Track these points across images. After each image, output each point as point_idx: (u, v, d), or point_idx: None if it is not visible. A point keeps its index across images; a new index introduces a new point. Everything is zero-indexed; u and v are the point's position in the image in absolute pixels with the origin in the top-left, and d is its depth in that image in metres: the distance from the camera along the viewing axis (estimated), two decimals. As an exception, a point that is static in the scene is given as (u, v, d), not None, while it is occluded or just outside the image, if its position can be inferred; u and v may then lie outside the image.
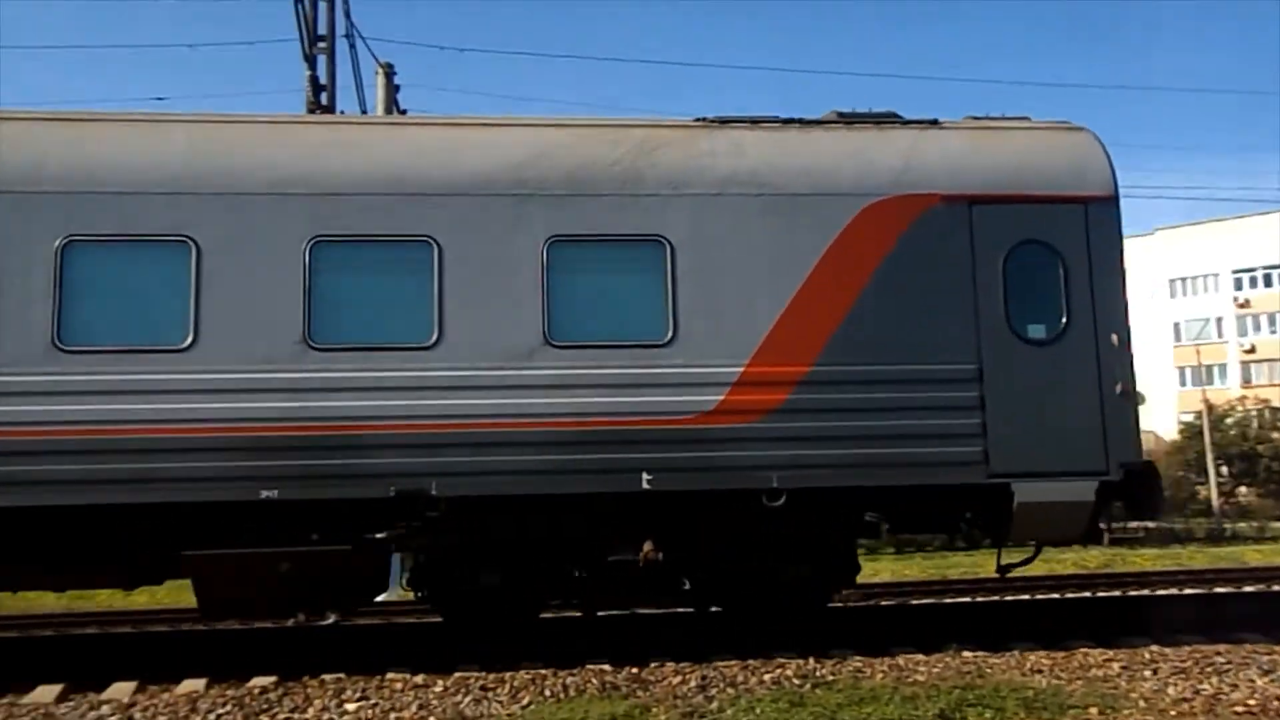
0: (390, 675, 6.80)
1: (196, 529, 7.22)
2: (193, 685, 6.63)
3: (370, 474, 7.21)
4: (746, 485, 7.62)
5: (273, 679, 6.71)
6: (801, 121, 8.56)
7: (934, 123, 8.59)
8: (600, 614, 8.50)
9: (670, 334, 7.66)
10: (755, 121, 8.42)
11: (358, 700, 6.17)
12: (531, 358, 7.46)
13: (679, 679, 6.56)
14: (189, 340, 7.20)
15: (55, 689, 6.53)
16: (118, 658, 7.68)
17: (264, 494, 7.11)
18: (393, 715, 5.90)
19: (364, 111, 17.56)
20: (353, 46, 17.43)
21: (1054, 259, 8.01)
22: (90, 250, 7.27)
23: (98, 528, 7.20)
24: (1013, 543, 8.11)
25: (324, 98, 15.94)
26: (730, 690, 6.25)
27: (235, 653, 7.88)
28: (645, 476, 7.51)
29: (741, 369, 7.71)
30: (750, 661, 6.99)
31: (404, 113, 17.96)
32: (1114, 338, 7.84)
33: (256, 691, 6.40)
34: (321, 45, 16.13)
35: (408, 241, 7.56)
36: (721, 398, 7.65)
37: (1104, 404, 7.77)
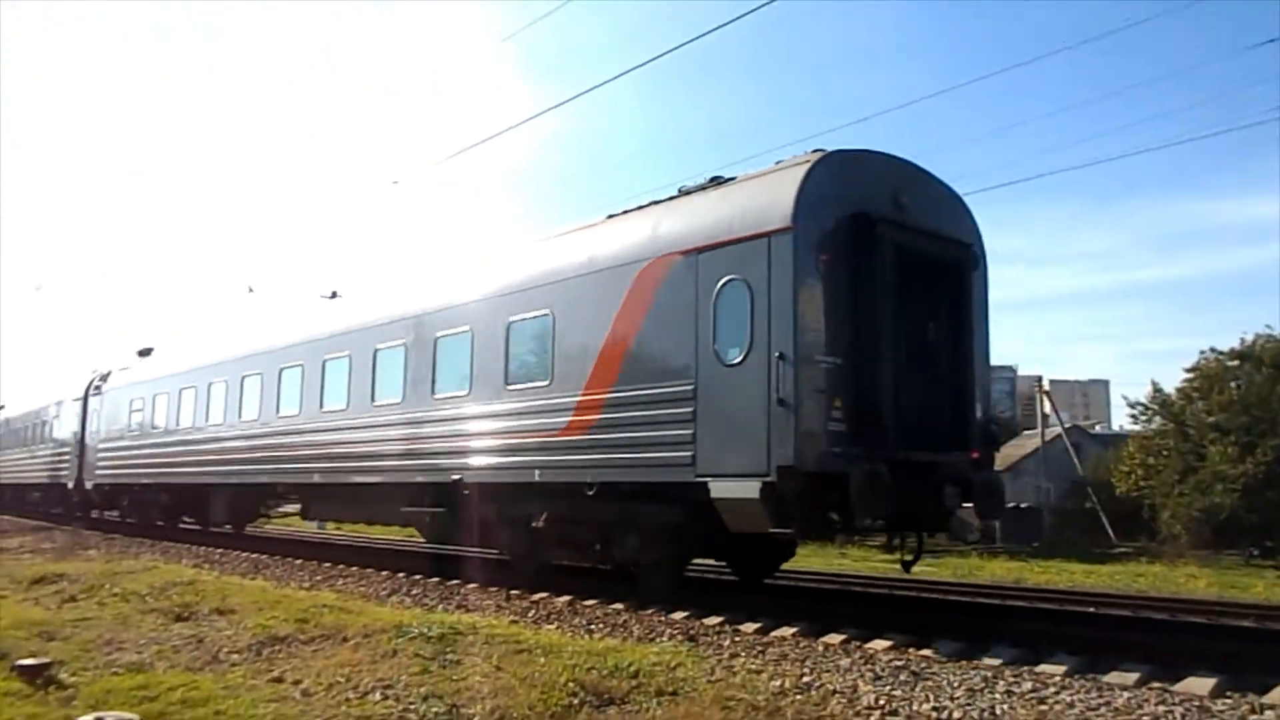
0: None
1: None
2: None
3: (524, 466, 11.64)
4: (576, 480, 10.86)
5: None
6: (616, 215, 11.91)
7: (716, 181, 10.80)
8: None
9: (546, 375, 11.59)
10: (591, 225, 12.30)
11: None
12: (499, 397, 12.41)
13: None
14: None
15: (1209, 681, 6.73)
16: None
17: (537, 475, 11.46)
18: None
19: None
20: None
21: (746, 291, 9.37)
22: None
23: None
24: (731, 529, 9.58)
25: None
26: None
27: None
28: (536, 472, 11.40)
29: (578, 397, 10.96)
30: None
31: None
32: (778, 355, 8.89)
33: None
34: None
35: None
36: (569, 419, 11.03)
37: (769, 415, 8.89)
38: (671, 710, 6.09)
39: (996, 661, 7.55)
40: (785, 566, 12.83)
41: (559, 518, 11.40)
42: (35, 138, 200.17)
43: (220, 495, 20.90)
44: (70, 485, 28.38)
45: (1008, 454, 62.59)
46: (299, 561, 15.53)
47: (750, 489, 8.91)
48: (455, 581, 12.52)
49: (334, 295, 18.08)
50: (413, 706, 6.23)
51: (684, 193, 11.07)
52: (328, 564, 15.04)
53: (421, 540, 16.51)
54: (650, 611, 10.03)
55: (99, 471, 26.08)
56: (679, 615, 9.79)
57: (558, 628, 9.29)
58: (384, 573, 13.55)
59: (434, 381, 13.37)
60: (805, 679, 6.90)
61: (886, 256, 9.33)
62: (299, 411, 16.80)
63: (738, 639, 8.50)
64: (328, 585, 12.51)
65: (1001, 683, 6.73)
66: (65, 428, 29.08)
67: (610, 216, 12.04)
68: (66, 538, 21.41)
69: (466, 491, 12.57)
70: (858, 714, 5.99)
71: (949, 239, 10.37)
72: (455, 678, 6.87)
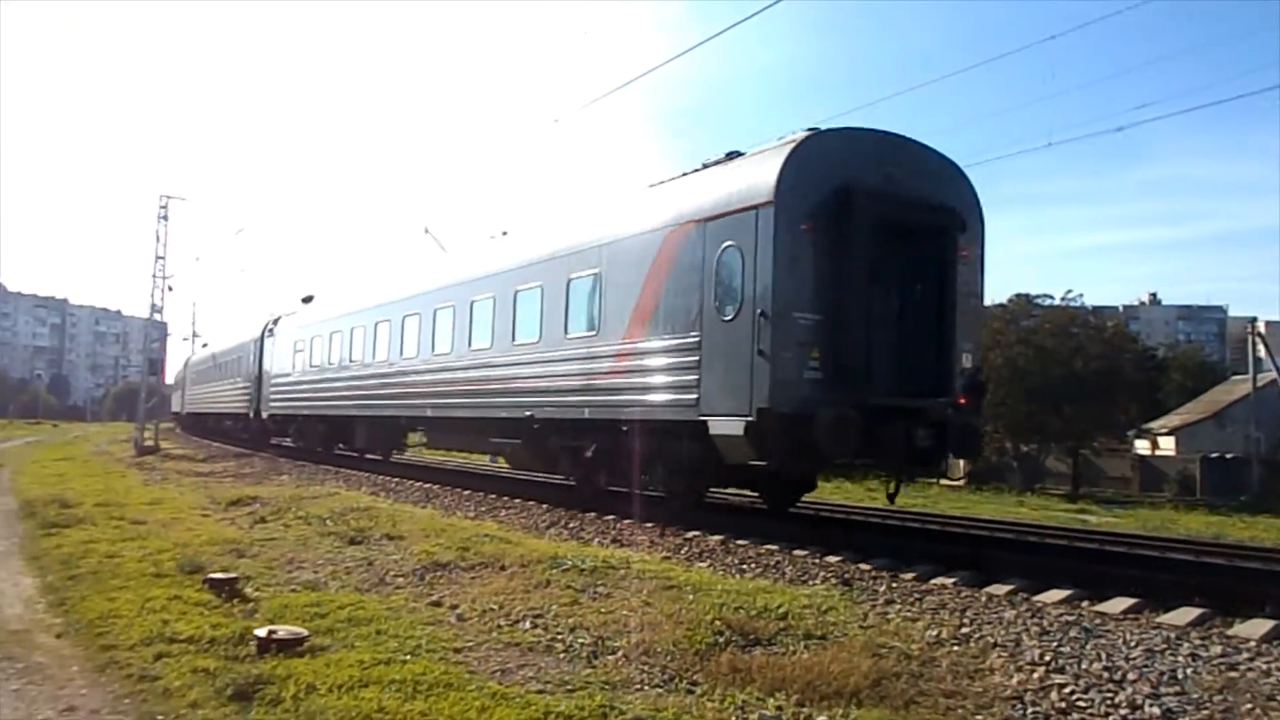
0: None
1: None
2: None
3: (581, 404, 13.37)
4: (614, 417, 12.56)
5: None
6: (655, 184, 13.40)
7: (731, 156, 12.06)
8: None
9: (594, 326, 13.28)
10: (634, 194, 13.98)
11: None
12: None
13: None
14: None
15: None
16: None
17: (587, 413, 13.30)
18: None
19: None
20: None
21: (739, 256, 10.67)
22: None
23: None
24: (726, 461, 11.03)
25: None
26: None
27: None
28: (586, 410, 13.19)
29: (617, 347, 12.60)
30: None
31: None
32: (759, 312, 10.23)
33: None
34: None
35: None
36: (610, 365, 12.70)
37: (752, 364, 10.26)
38: (819, 655, 5.92)
39: (1181, 622, 6.96)
40: (968, 514, 13.01)
41: (604, 449, 13.24)
42: (226, 94, 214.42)
43: (363, 426, 23.37)
44: (250, 415, 32.14)
45: (1213, 400, 57.93)
46: (467, 492, 16.17)
47: (736, 427, 10.38)
48: (611, 517, 12.69)
49: (504, 234, 18.65)
50: (560, 636, 6.33)
51: (705, 166, 12.46)
52: (493, 495, 15.59)
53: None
54: (804, 553, 9.84)
55: (271, 403, 29.48)
56: (834, 559, 9.56)
57: (709, 566, 9.24)
58: (544, 506, 13.90)
59: (514, 331, 15.29)
60: (964, 630, 6.56)
61: (863, 225, 10.43)
62: (416, 354, 19.05)
63: (894, 585, 8.18)
64: (491, 516, 12.94)
65: (1185, 645, 6.16)
66: (248, 365, 32.64)
67: (651, 186, 13.58)
68: (264, 464, 23.17)
69: (537, 425, 14.50)
70: (1019, 669, 5.63)
71: (936, 206, 11.16)
72: (604, 610, 6.93)
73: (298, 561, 9.28)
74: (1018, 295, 49.00)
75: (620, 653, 5.96)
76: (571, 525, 12.02)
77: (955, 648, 6.10)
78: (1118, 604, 7.54)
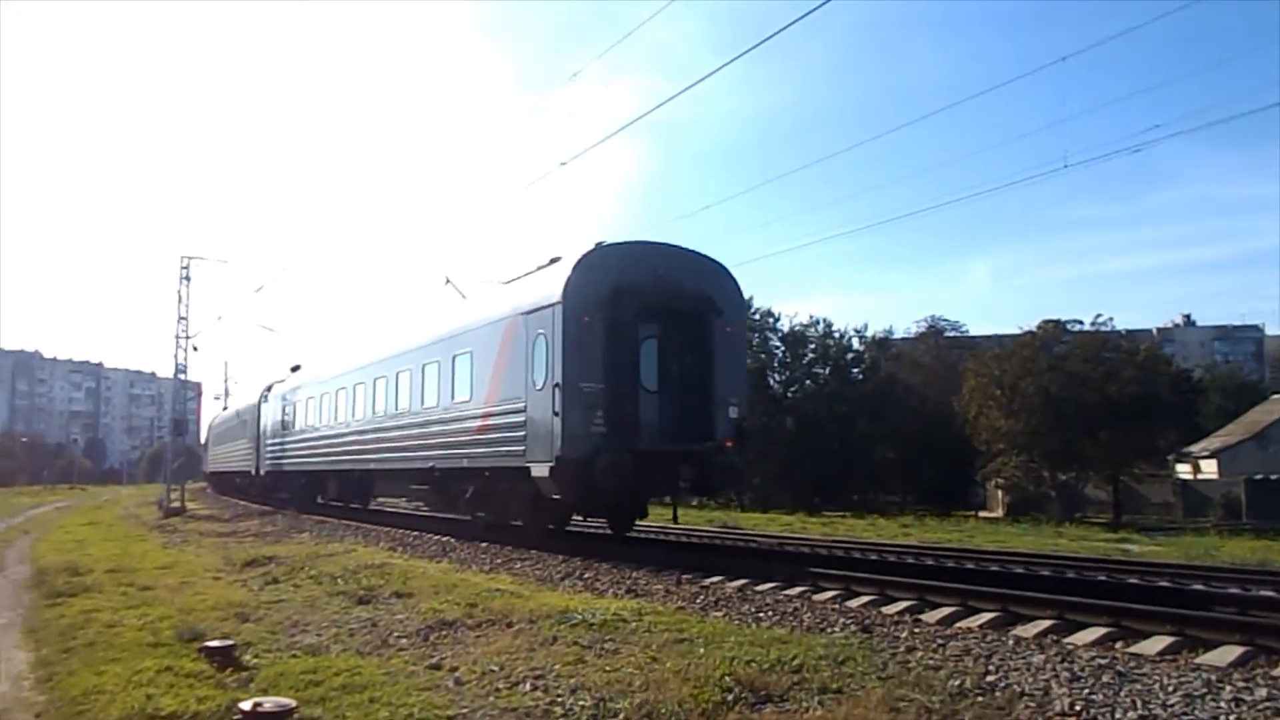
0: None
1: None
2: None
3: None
4: (481, 465, 15.76)
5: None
6: (509, 280, 16.54)
7: (552, 261, 15.12)
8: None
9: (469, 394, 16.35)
10: (496, 286, 17.50)
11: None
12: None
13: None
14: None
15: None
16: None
17: (465, 462, 16.63)
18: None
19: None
20: None
21: (545, 341, 13.80)
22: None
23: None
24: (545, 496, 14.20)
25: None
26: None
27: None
28: (465, 460, 16.29)
29: (482, 410, 15.70)
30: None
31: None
32: (555, 383, 13.35)
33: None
34: None
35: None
36: (478, 424, 15.79)
37: (553, 423, 13.23)
38: (833, 711, 5.58)
39: (1222, 662, 6.53)
40: (1004, 547, 16.37)
41: (480, 491, 16.56)
42: (244, 153, 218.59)
43: (332, 480, 26.37)
44: (253, 472, 34.85)
45: (1254, 420, 56.43)
46: (484, 545, 15.90)
47: (545, 470, 13.46)
48: (629, 565, 12.37)
49: (426, 310, 23.06)
50: (560, 699, 6.01)
51: (537, 269, 15.65)
52: (509, 547, 15.31)
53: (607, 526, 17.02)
54: (825, 598, 9.46)
55: (265, 461, 32.63)
56: (855, 603, 9.18)
57: (725, 614, 8.88)
58: (559, 556, 13.60)
59: (423, 397, 18.49)
60: (989, 678, 6.18)
61: (629, 315, 13.68)
62: (362, 416, 22.38)
63: (917, 631, 7.79)
64: (506, 569, 12.63)
65: (1228, 689, 5.75)
66: (251, 426, 35.28)
67: (504, 282, 16.99)
68: (286, 522, 23.02)
69: (438, 474, 17.72)
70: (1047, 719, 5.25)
71: (698, 296, 14.35)
72: (609, 668, 6.62)
73: (302, 624, 9.03)
74: (1046, 321, 48.37)
75: (622, 715, 5.64)
76: (586, 576, 11.68)
77: (979, 699, 5.72)
78: (1154, 644, 7.10)
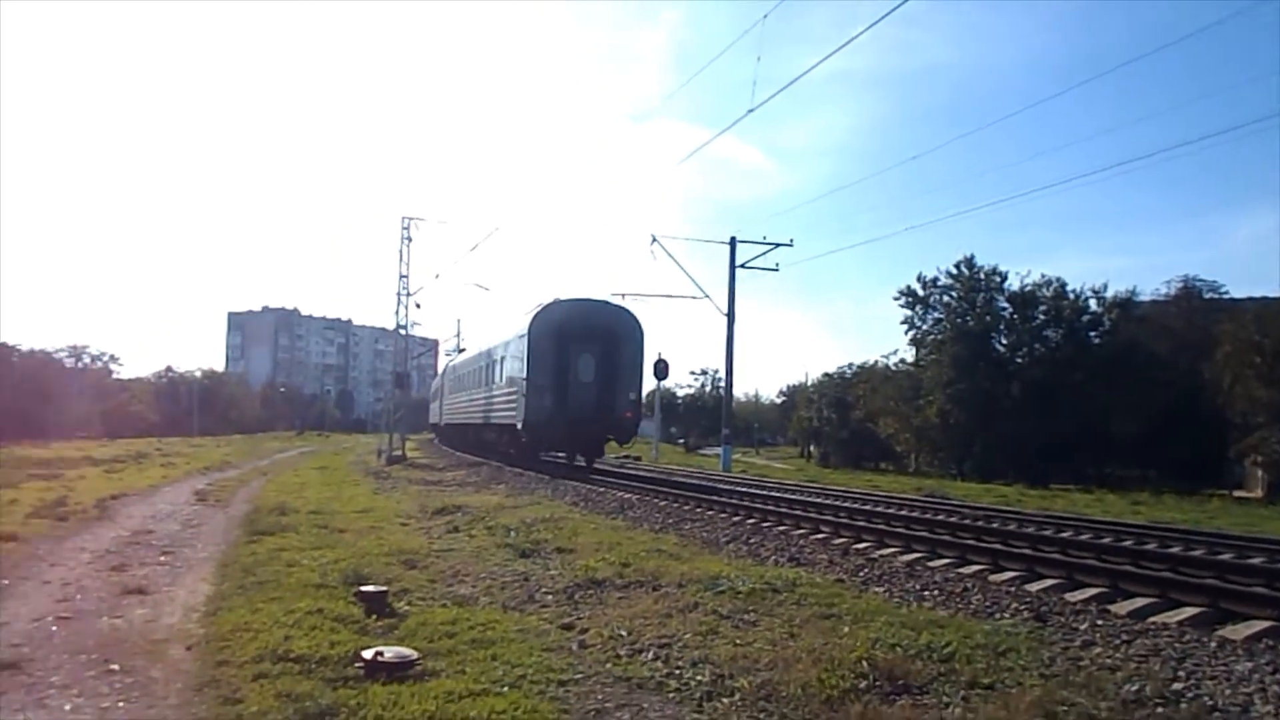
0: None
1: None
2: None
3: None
4: (503, 422, 27.58)
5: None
6: (530, 310, 25.82)
7: (539, 305, 25.80)
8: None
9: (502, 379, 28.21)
10: (519, 314, 28.71)
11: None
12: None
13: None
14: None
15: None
16: None
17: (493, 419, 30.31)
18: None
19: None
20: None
21: (524, 354, 24.06)
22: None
23: None
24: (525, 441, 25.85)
25: None
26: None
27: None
28: (492, 419, 29.97)
29: (502, 389, 27.80)
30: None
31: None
32: (524, 378, 23.88)
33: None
34: None
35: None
36: (502, 397, 27.74)
37: (525, 402, 23.74)
38: (977, 709, 4.96)
39: None
40: (1250, 532, 15.35)
41: (502, 439, 28.48)
42: (461, 117, 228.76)
43: (458, 431, 39.83)
44: (436, 423, 51.62)
45: None
46: (663, 502, 15.80)
47: (518, 426, 24.57)
48: (800, 532, 11.84)
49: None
50: (679, 671, 5.71)
51: (537, 306, 25.20)
52: (689, 505, 15.12)
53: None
54: (1002, 579, 8.60)
55: (445, 416, 45.70)
56: (1036, 586, 8.27)
57: (885, 591, 8.24)
58: (736, 516, 13.25)
59: (488, 382, 29.93)
60: (1176, 685, 5.29)
61: (566, 342, 23.56)
62: (472, 388, 33.86)
63: (1101, 623, 6.84)
64: (675, 529, 12.44)
65: None
66: (440, 390, 50.10)
67: (525, 312, 26.06)
68: (490, 473, 24.04)
69: (492, 427, 30.05)
70: (1240, 745, 4.40)
71: (606, 327, 24.31)
72: (739, 642, 6.25)
73: (462, 574, 9.21)
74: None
75: (738, 695, 5.26)
76: (751, 540, 11.28)
77: (1159, 709, 4.91)
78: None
